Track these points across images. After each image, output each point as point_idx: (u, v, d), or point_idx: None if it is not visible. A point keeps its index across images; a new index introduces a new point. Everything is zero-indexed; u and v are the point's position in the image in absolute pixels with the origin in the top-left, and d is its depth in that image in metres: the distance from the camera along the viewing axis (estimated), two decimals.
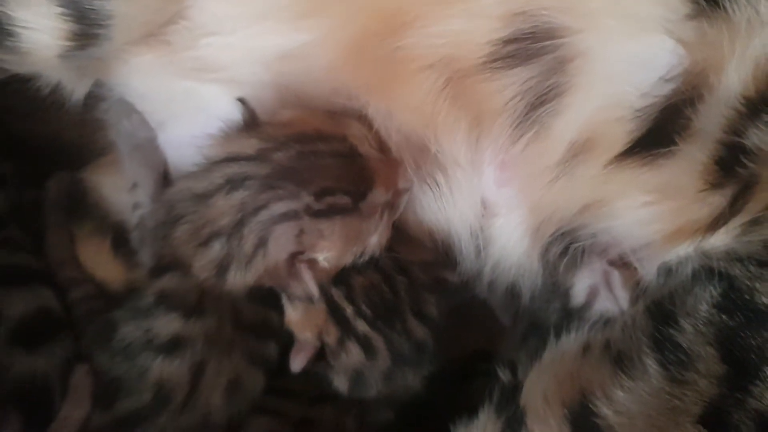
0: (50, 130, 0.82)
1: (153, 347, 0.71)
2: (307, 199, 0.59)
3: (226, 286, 0.66)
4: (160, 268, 0.71)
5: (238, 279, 0.64)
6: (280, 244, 0.60)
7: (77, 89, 0.75)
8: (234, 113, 0.66)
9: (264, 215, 0.60)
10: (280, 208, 0.60)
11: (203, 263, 0.65)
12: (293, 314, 0.68)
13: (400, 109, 0.62)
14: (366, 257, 0.63)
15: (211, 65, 0.66)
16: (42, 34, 0.64)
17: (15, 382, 0.71)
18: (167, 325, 0.70)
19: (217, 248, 0.63)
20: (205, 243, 0.63)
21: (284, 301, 0.68)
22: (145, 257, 0.75)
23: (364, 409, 0.74)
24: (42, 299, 0.75)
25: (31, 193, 0.81)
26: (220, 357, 0.70)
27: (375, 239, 0.62)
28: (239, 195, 0.61)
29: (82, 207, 0.82)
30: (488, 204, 0.65)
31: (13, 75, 0.71)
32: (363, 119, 0.63)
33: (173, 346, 0.70)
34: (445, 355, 0.74)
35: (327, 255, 0.60)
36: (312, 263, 0.61)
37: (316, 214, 0.59)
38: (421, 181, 0.64)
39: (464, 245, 0.67)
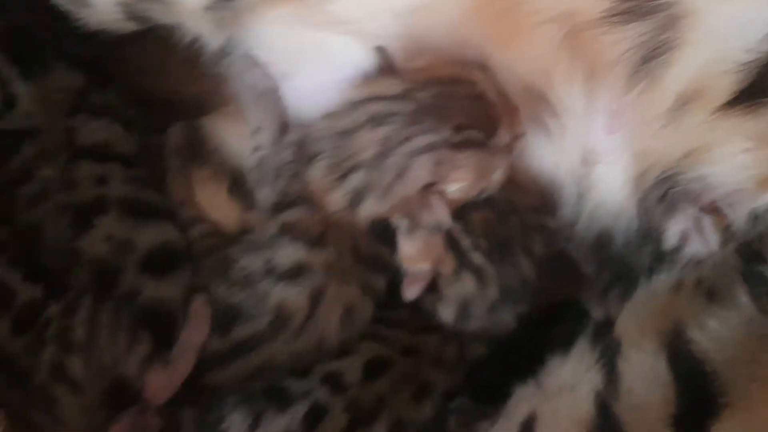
0: (177, 81, 0.87)
1: (274, 275, 0.76)
2: (446, 132, 0.64)
3: (355, 218, 0.71)
4: (285, 203, 0.76)
5: (371, 209, 0.69)
6: (419, 174, 0.65)
7: (212, 42, 0.80)
8: (362, 63, 0.71)
9: (407, 147, 0.65)
10: (422, 140, 0.65)
11: (338, 195, 0.70)
12: (409, 248, 0.72)
13: (520, 60, 0.66)
14: (485, 194, 0.68)
15: (343, 18, 0.71)
16: None
17: (145, 305, 0.76)
18: (290, 254, 0.75)
19: (355, 180, 0.68)
20: (344, 175, 0.68)
21: (400, 235, 0.73)
22: (263, 195, 0.80)
23: (462, 342, 0.79)
24: (167, 233, 0.80)
25: (156, 138, 0.87)
26: (338, 285, 0.75)
27: (497, 177, 0.67)
28: (383, 130, 0.66)
29: (201, 153, 0.87)
30: (595, 151, 0.69)
31: (152, 26, 0.77)
32: (485, 68, 0.67)
33: (295, 273, 0.75)
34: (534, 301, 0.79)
35: (457, 186, 0.65)
36: (442, 194, 0.66)
37: (454, 146, 0.64)
38: (533, 127, 0.69)
39: (567, 191, 0.72)
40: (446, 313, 0.75)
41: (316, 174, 0.71)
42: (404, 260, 0.74)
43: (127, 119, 0.82)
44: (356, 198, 0.70)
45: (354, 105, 0.69)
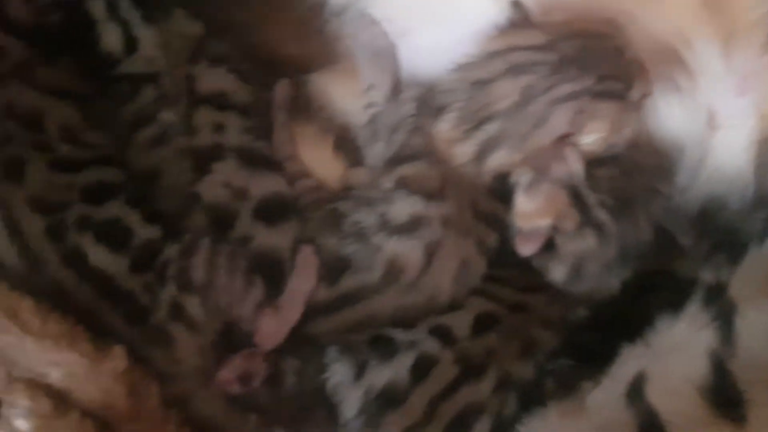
0: (285, 38, 0.88)
1: (388, 229, 0.76)
2: (589, 81, 0.65)
3: (478, 172, 0.72)
4: (402, 157, 0.77)
5: (500, 161, 0.69)
6: (559, 123, 0.66)
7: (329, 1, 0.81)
8: (489, 18, 0.72)
9: (549, 96, 0.66)
10: (565, 89, 0.65)
11: (466, 147, 0.70)
12: (528, 203, 0.73)
13: (658, 18, 0.67)
14: (613, 150, 0.69)
15: None
16: None
17: (256, 252, 0.77)
18: (406, 207, 0.75)
19: (488, 130, 0.69)
20: (476, 126, 0.69)
21: (520, 190, 0.73)
22: (376, 150, 0.81)
23: (568, 303, 0.79)
24: (277, 184, 0.81)
25: (263, 93, 0.87)
26: (455, 240, 0.75)
27: (627, 133, 0.68)
28: (525, 78, 0.67)
29: (307, 110, 0.88)
30: (721, 113, 0.70)
31: None
32: (621, 25, 0.68)
33: (410, 227, 0.75)
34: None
35: (592, 139, 0.66)
36: (576, 146, 0.66)
37: (596, 96, 0.65)
38: (663, 87, 0.70)
39: (688, 155, 0.73)
40: (558, 272, 0.76)
41: (444, 126, 0.71)
42: (520, 216, 0.74)
43: (241, 71, 0.82)
44: (485, 149, 0.70)
45: (491, 55, 0.70)
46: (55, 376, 0.69)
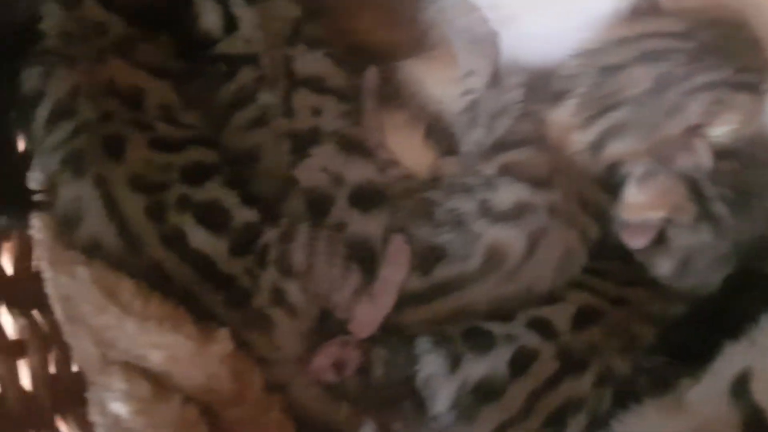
0: (375, 25, 0.86)
1: (490, 216, 0.74)
2: (727, 72, 0.63)
3: (590, 160, 0.70)
4: (507, 144, 0.75)
5: (621, 149, 0.67)
6: (693, 112, 0.64)
7: None
8: (607, 6, 0.70)
9: (685, 85, 0.64)
10: (703, 78, 0.64)
11: (583, 135, 0.68)
12: (640, 195, 0.71)
13: None
14: (738, 143, 0.67)
15: None
16: None
17: (351, 239, 0.75)
18: (511, 194, 0.74)
19: (613, 118, 0.67)
20: (601, 113, 0.67)
21: (632, 181, 0.71)
22: (474, 137, 0.79)
23: (667, 297, 0.77)
24: (370, 172, 0.79)
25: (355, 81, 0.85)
26: (560, 229, 0.73)
27: (755, 125, 0.66)
28: (660, 66, 0.65)
29: (397, 98, 0.86)
30: None
31: None
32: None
33: (515, 214, 0.74)
34: None
35: (723, 130, 0.64)
36: (705, 138, 0.64)
37: (734, 86, 0.63)
38: None
39: None
40: (664, 267, 0.74)
41: (563, 112, 0.70)
42: (629, 208, 0.72)
43: (335, 56, 0.81)
44: (606, 137, 0.68)
45: (622, 41, 0.68)
46: (155, 358, 0.67)
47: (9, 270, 0.78)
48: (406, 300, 0.76)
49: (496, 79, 0.79)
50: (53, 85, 0.71)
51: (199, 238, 0.70)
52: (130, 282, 0.69)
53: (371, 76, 0.85)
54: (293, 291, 0.71)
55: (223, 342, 0.67)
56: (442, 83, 0.84)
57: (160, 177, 0.71)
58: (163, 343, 0.67)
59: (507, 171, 0.74)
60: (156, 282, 0.69)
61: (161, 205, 0.70)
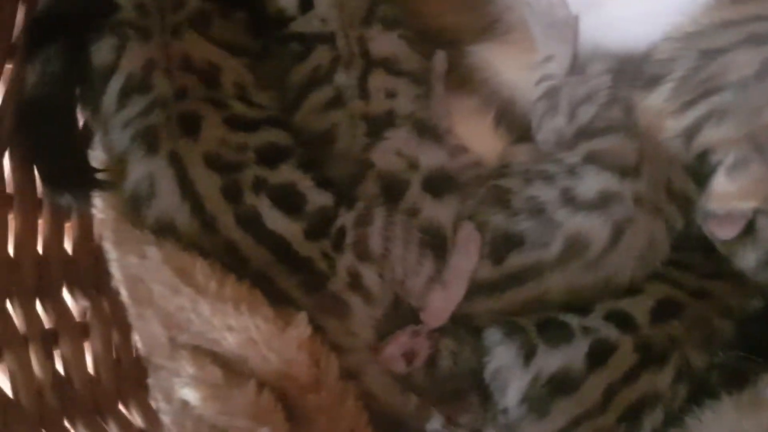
0: (446, 7, 0.84)
1: (574, 204, 0.72)
2: None
3: (682, 147, 0.68)
4: (593, 131, 0.73)
5: (717, 136, 0.65)
6: None
7: None
8: None
9: None
10: None
11: (678, 120, 0.66)
12: (729, 185, 0.69)
13: None
14: None
15: None
16: None
17: (424, 225, 0.73)
18: (596, 183, 0.72)
19: (712, 102, 0.65)
20: (700, 97, 0.65)
21: (723, 170, 0.69)
22: (554, 125, 0.77)
23: (747, 291, 0.75)
24: (442, 157, 0.76)
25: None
26: (646, 219, 0.71)
27: None
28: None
29: (468, 83, 0.83)
30: None
31: None
32: None
33: (600, 203, 0.71)
34: None
35: None
36: None
37: None
38: None
39: None
40: (749, 259, 0.71)
41: (657, 98, 0.67)
42: (718, 198, 0.70)
43: (410, 38, 0.78)
44: (703, 123, 0.66)
45: (725, 24, 0.65)
46: (231, 342, 0.65)
47: (69, 250, 0.75)
48: (476, 289, 0.74)
49: (576, 65, 0.76)
50: (127, 58, 0.69)
51: (275, 220, 0.68)
52: (204, 262, 0.66)
53: (440, 60, 0.83)
54: (370, 276, 0.69)
55: (301, 326, 0.65)
56: (516, 68, 0.81)
57: (236, 157, 0.69)
58: (240, 326, 0.64)
59: (592, 159, 0.72)
60: (231, 263, 0.67)
61: (237, 185, 0.68)
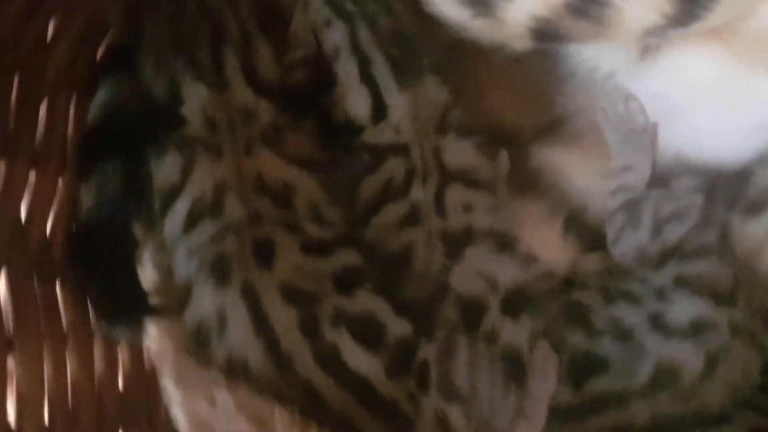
0: (509, 107, 0.79)
1: (664, 330, 0.68)
2: None
3: None
4: (684, 253, 0.69)
5: None
6: None
7: (581, 70, 0.73)
8: None
9: None
10: None
11: None
12: None
13: None
14: None
15: None
16: (642, 8, 0.61)
17: (503, 350, 0.68)
18: (689, 309, 0.67)
19: None
20: None
21: None
22: (634, 240, 0.72)
23: None
24: (518, 272, 0.72)
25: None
26: (741, 348, 0.67)
27: None
28: None
29: (537, 186, 0.79)
30: None
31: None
32: None
33: (693, 331, 0.67)
34: None
35: None
36: None
37: None
38: None
39: None
40: None
41: (758, 227, 0.63)
42: None
43: (483, 143, 0.73)
44: None
45: None
46: None
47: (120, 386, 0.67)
48: (553, 414, 0.68)
49: (659, 177, 0.72)
50: (195, 178, 0.62)
51: (356, 357, 0.62)
52: (282, 409, 0.59)
53: (503, 161, 0.78)
54: (456, 416, 0.63)
55: None
56: (588, 175, 0.77)
57: (313, 286, 0.62)
58: None
59: (683, 283, 0.68)
60: (309, 407, 0.60)
61: (316, 319, 0.61)
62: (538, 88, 0.78)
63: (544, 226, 0.78)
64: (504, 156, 0.78)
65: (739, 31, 0.65)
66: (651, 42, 0.66)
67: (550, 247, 0.78)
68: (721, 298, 0.67)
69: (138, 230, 0.66)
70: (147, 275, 0.66)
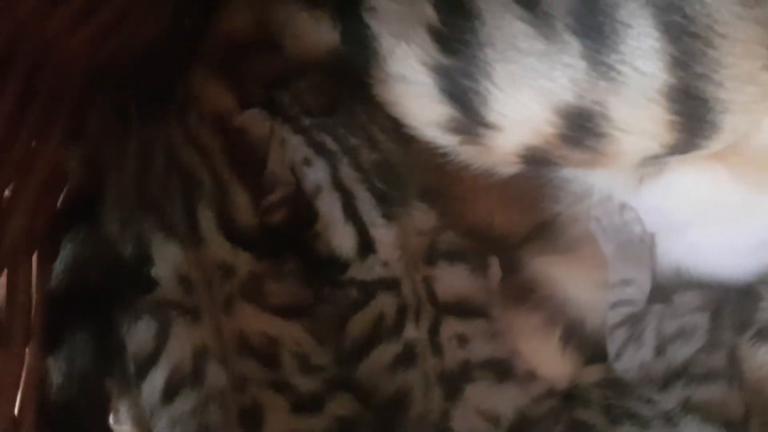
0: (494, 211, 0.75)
1: None
2: None
3: None
4: (691, 376, 0.65)
5: None
6: None
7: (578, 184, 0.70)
8: None
9: None
10: None
11: None
12: None
13: None
14: None
15: None
16: (640, 138, 0.58)
17: None
18: None
19: None
20: None
21: None
22: (637, 357, 0.69)
23: None
24: (520, 398, 0.68)
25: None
26: None
27: None
28: None
29: (532, 297, 0.75)
30: None
31: None
32: None
33: None
34: None
35: None
36: None
37: None
38: None
39: None
40: None
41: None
42: None
43: (477, 264, 0.69)
44: None
45: None
46: None
47: None
48: None
49: (660, 291, 0.69)
50: (172, 345, 0.57)
51: None
52: None
53: (494, 270, 0.74)
54: None
55: None
56: (584, 286, 0.73)
57: None
58: None
59: (692, 408, 0.64)
60: None
61: None
62: (527, 189, 0.74)
63: (541, 339, 0.74)
64: (495, 263, 0.74)
65: (740, 149, 0.61)
66: (648, 170, 0.63)
67: (548, 360, 0.74)
68: (733, 425, 0.63)
69: (114, 393, 0.61)
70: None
